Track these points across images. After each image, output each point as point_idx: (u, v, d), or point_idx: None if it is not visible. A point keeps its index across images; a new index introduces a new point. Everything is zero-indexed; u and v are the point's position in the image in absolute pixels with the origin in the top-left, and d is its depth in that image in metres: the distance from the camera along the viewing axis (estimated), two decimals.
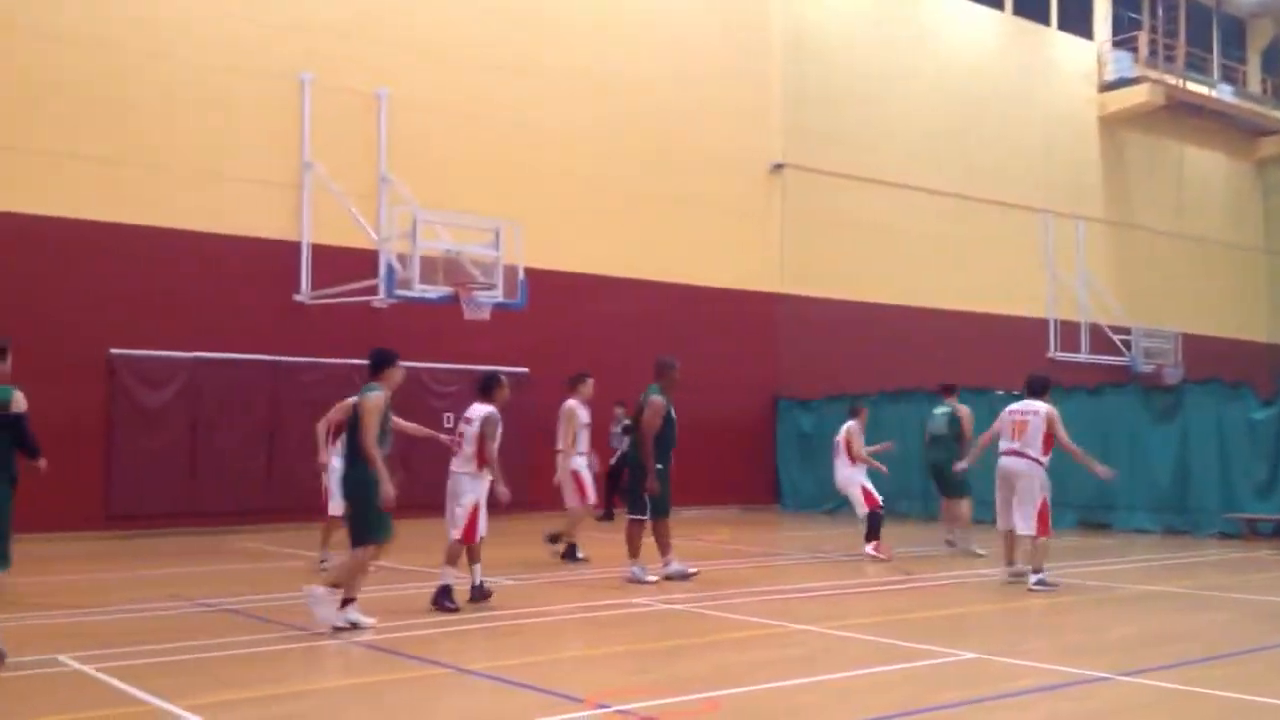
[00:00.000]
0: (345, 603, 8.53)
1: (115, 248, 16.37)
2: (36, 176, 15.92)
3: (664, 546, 11.47)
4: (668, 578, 11.27)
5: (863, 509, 13.83)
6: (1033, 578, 10.96)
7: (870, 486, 13.97)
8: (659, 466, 11.30)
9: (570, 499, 13.20)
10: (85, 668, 7.10)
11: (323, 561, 12.13)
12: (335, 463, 11.41)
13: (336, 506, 11.16)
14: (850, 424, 14.23)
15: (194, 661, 7.48)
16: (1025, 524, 11.15)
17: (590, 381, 13.46)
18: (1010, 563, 11.58)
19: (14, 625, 8.83)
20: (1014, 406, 11.72)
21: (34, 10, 16.08)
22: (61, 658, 7.38)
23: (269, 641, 8.20)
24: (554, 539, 13.20)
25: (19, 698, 6.44)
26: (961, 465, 13.42)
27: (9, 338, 9.24)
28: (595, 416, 14.15)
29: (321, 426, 12.25)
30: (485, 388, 10.29)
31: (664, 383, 11.54)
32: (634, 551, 11.38)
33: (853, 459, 14.02)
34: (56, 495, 15.57)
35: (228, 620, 9.12)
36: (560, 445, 13.25)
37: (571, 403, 13.28)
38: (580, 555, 13.06)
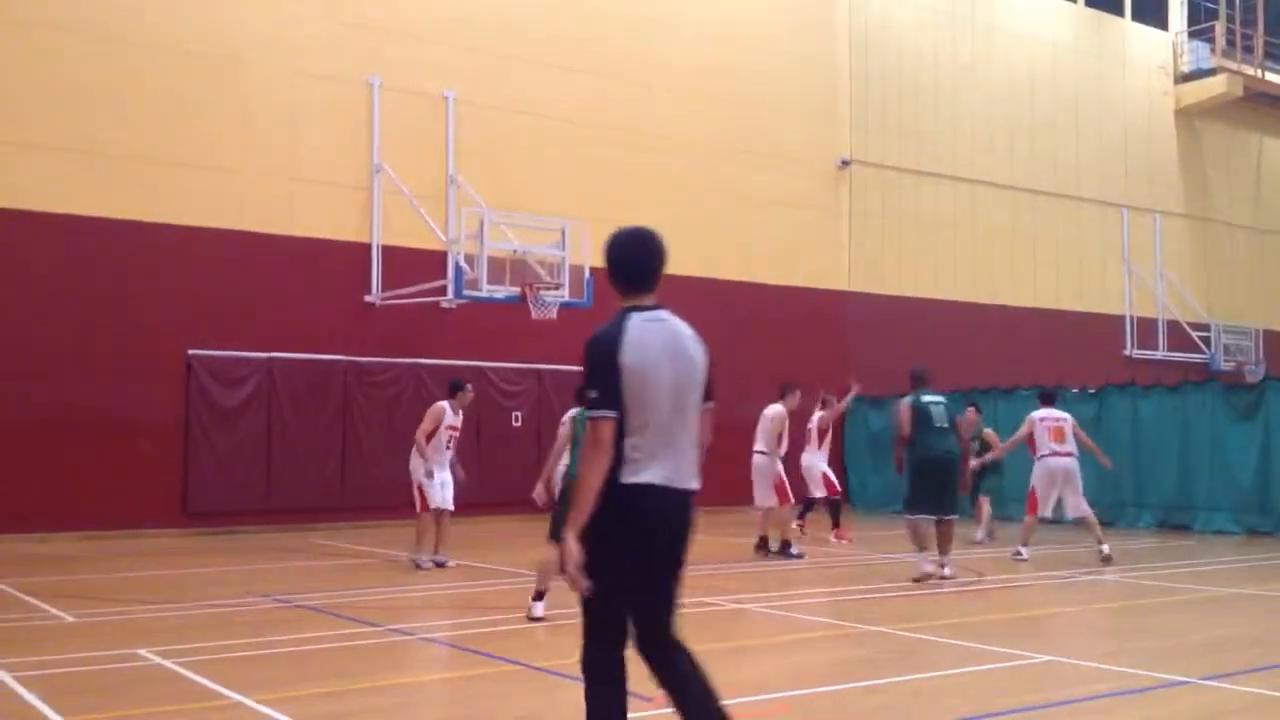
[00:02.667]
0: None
1: (192, 251, 16.70)
2: (116, 181, 16.29)
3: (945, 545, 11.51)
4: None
5: (821, 492, 15.24)
6: (1105, 547, 12.55)
7: (831, 475, 15.37)
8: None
9: (769, 499, 13.54)
10: (165, 662, 7.25)
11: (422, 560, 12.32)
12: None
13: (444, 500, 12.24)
14: (822, 414, 15.45)
15: (269, 656, 7.60)
16: (1080, 508, 13.07)
17: (798, 393, 13.85)
18: (1025, 544, 13.22)
19: (96, 620, 9.06)
20: (1043, 414, 13.40)
21: (110, 15, 16.45)
22: (142, 652, 7.54)
23: (343, 637, 8.31)
24: (763, 543, 13.54)
25: (101, 691, 6.59)
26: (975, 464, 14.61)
27: None
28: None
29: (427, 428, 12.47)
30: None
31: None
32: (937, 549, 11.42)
33: (819, 445, 15.28)
34: (137, 493, 16.02)
35: (302, 616, 9.26)
36: (763, 448, 13.65)
37: (778, 408, 13.68)
38: (795, 551, 13.38)
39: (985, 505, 15.47)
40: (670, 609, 4.39)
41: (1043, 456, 13.20)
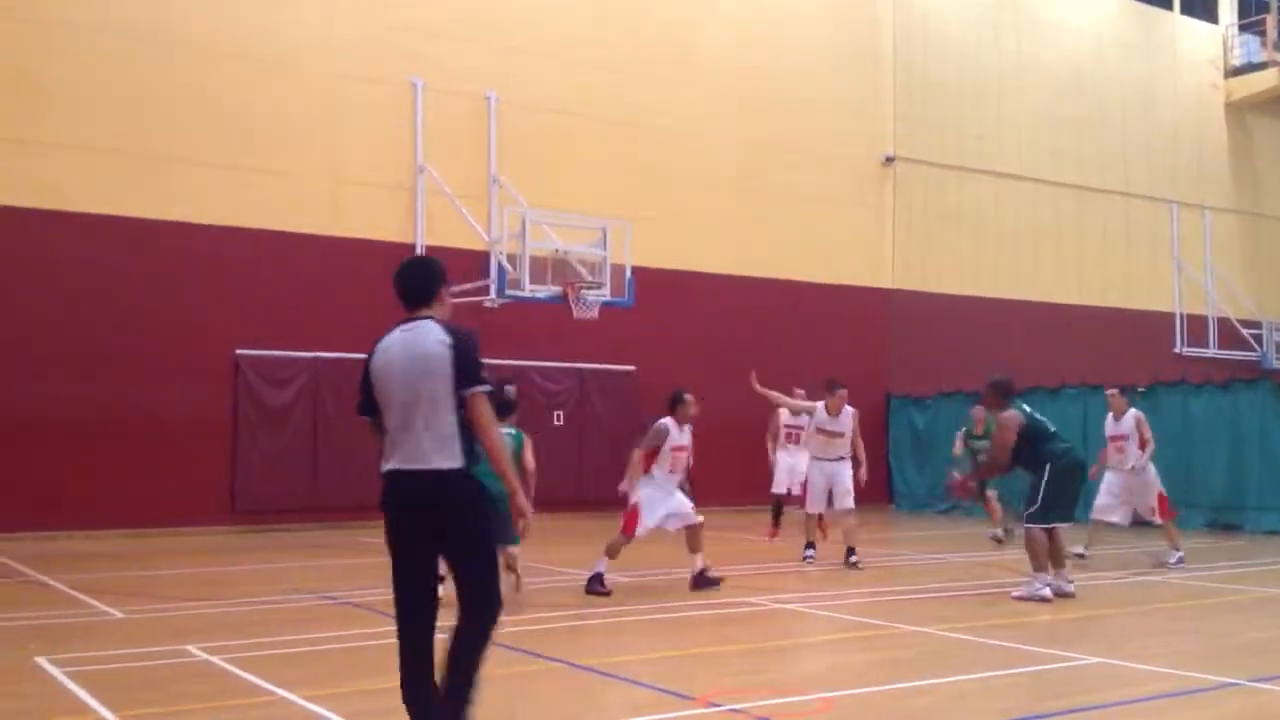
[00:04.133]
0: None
1: (239, 252, 16.89)
2: (164, 183, 16.50)
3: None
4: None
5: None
6: (1175, 555, 12.52)
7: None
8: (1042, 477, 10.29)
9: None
10: (212, 658, 7.34)
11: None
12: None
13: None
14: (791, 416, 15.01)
15: (315, 653, 7.67)
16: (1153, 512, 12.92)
17: (843, 392, 12.85)
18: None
19: (145, 617, 9.19)
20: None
21: (157, 20, 16.66)
22: (189, 648, 7.63)
23: (386, 634, 8.32)
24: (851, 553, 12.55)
25: (151, 687, 6.68)
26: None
27: None
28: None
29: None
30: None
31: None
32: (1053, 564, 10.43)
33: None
34: (185, 491, 16.23)
35: (347, 613, 9.33)
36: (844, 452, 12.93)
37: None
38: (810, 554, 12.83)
39: (995, 502, 15.22)
40: (425, 590, 4.95)
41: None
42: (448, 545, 4.90)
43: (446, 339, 4.86)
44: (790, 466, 14.93)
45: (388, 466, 4.88)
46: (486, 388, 4.87)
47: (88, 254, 15.90)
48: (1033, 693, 6.54)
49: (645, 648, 8.01)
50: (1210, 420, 17.51)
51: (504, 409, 12.98)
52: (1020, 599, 9.91)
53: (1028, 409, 10.56)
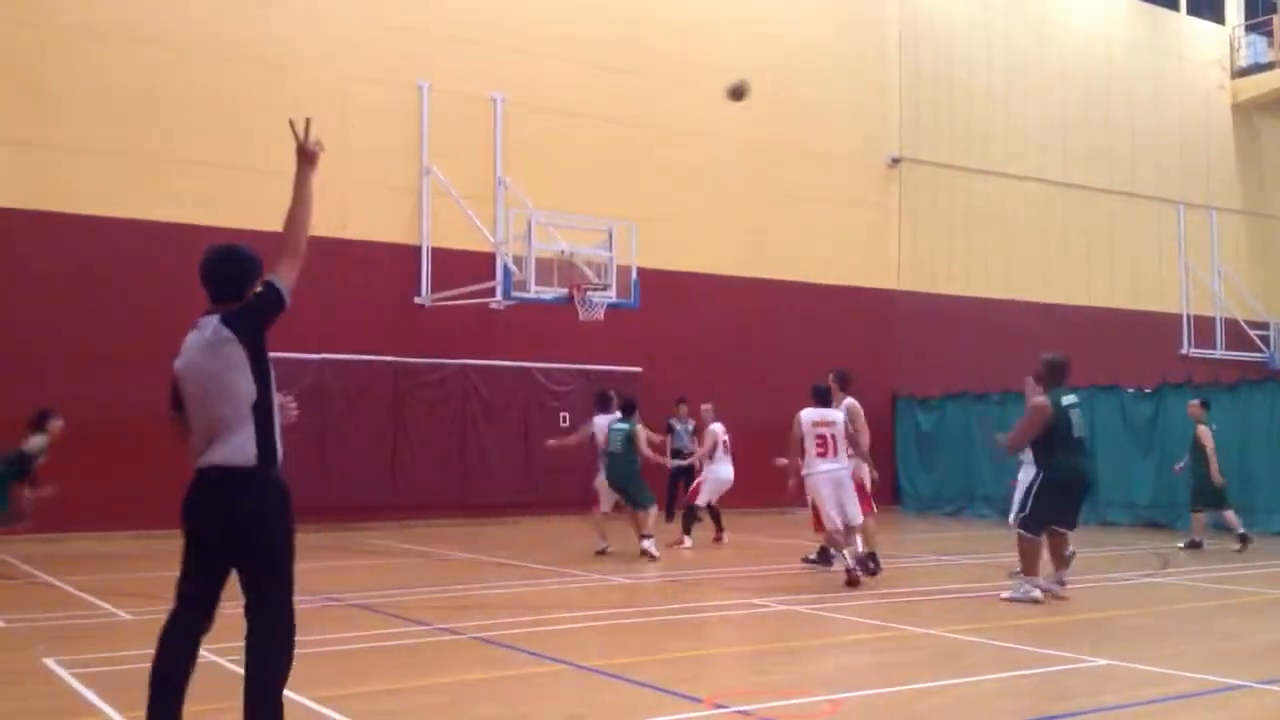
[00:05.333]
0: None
1: None
2: (169, 184, 16.54)
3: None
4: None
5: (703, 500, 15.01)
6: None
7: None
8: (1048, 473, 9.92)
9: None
10: (220, 660, 7.33)
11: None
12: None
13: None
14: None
15: (321, 655, 7.66)
16: None
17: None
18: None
19: (153, 618, 9.17)
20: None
21: (163, 22, 16.70)
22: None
23: (394, 636, 8.37)
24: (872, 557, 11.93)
25: None
26: None
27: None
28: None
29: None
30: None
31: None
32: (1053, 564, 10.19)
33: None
34: None
35: (354, 615, 9.33)
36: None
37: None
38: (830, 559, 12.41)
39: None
40: (207, 592, 5.01)
41: None
42: (241, 550, 4.93)
43: (228, 325, 4.79)
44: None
45: (195, 464, 4.91)
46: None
47: (97, 256, 15.94)
48: (1041, 695, 6.52)
49: (650, 649, 8.00)
50: (1218, 422, 17.42)
51: (605, 403, 14.22)
52: (1009, 600, 9.79)
53: (1067, 402, 10.01)
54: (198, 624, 4.98)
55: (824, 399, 11.34)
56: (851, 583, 10.58)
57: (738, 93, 13.08)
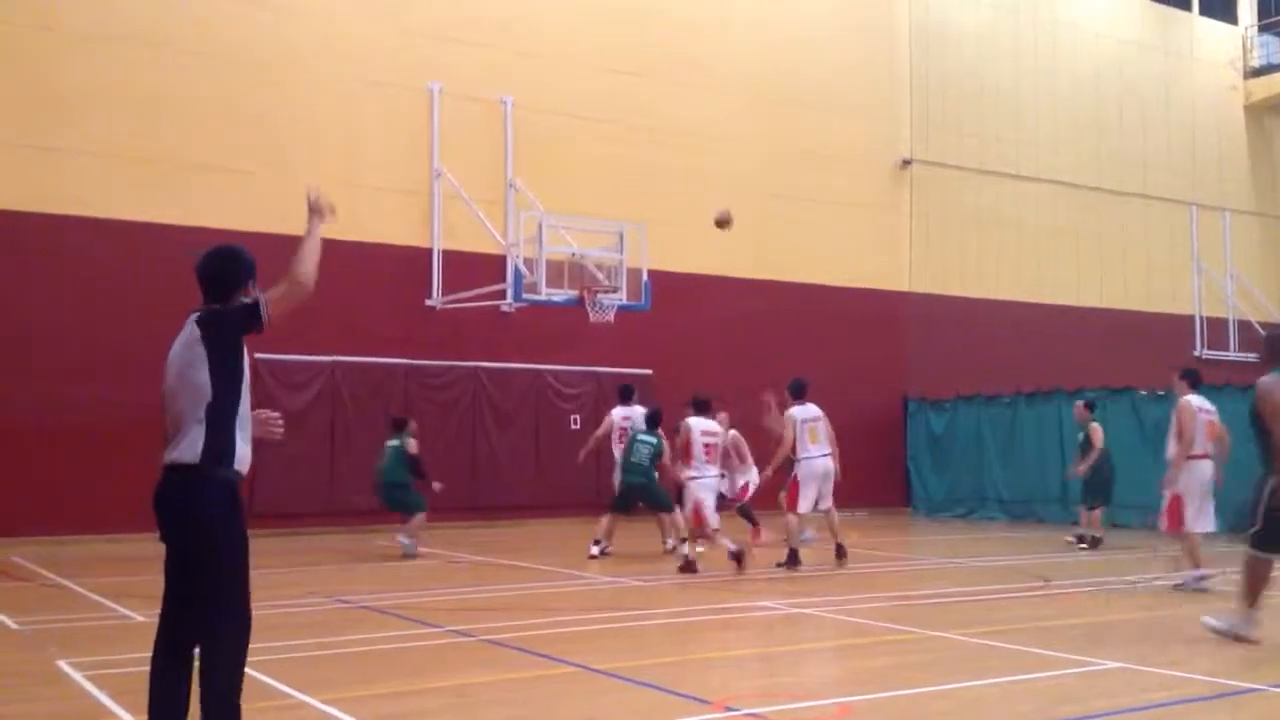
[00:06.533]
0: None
1: (257, 256, 16.88)
2: (180, 188, 16.60)
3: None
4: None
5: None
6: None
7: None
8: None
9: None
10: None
11: None
12: None
13: None
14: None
15: (332, 657, 7.69)
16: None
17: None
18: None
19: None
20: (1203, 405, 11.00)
21: (173, 26, 16.78)
22: None
23: (404, 638, 8.38)
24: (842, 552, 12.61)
25: None
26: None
27: None
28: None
29: None
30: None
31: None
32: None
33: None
34: None
35: (364, 617, 9.35)
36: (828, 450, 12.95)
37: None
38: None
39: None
40: (182, 603, 4.80)
41: None
42: (187, 555, 4.85)
43: (196, 323, 4.87)
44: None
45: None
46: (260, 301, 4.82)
47: (106, 258, 16.00)
48: (1051, 698, 6.50)
49: (660, 651, 8.00)
50: (1232, 423, 17.35)
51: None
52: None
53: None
54: (178, 651, 4.85)
55: (705, 409, 12.79)
56: (686, 569, 11.94)
57: (722, 222, 14.09)
